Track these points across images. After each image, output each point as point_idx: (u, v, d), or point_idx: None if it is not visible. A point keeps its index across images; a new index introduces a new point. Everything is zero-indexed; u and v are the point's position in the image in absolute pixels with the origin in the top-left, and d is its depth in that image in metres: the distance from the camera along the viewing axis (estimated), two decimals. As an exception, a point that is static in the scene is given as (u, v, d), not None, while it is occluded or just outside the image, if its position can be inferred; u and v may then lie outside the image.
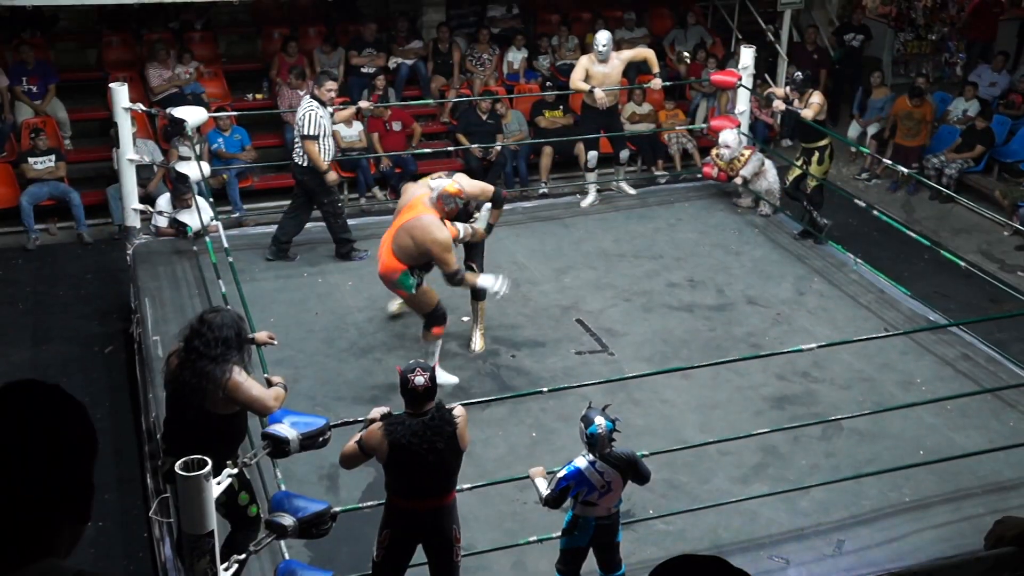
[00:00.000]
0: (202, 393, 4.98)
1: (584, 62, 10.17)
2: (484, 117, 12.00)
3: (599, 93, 9.96)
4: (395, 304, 7.98)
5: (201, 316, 5.15)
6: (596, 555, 5.35)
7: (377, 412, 4.98)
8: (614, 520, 5.26)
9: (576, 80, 10.14)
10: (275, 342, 5.80)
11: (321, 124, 8.70)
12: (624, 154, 10.84)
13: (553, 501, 5.15)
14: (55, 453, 1.71)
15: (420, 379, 4.86)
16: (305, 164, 8.79)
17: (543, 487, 5.23)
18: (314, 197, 9.03)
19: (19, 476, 1.67)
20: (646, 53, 10.51)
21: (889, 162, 10.76)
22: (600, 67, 10.05)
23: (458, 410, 4.99)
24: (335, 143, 9.01)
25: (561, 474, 5.12)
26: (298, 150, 8.82)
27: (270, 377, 5.45)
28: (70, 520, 1.74)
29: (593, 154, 10.50)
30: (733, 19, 13.76)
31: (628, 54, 10.42)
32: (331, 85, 8.82)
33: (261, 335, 5.72)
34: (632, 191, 10.95)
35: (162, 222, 9.51)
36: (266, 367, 5.89)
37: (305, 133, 8.66)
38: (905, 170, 10.40)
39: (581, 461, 5.12)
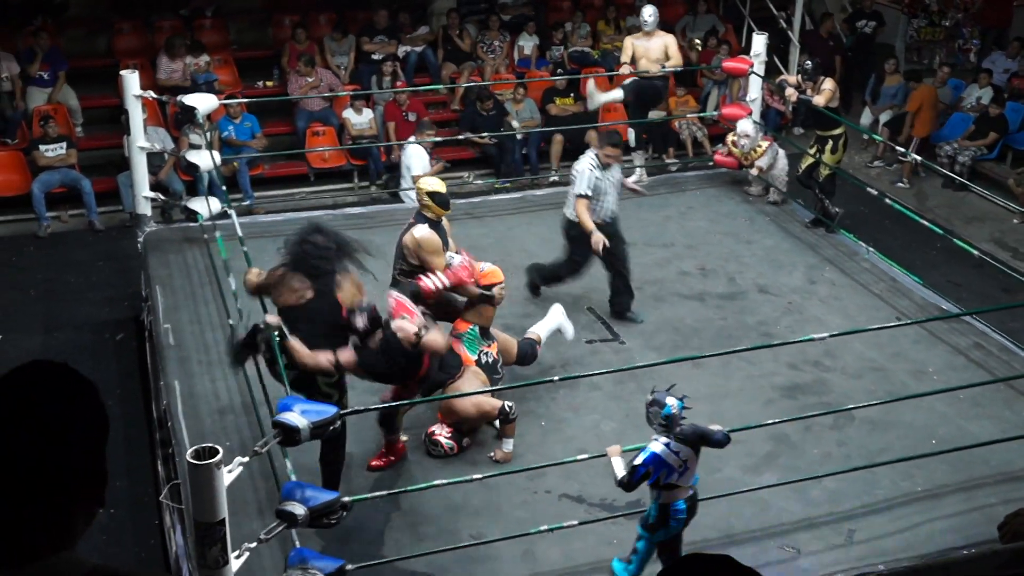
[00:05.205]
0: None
1: (628, 40, 10.50)
2: (486, 114, 11.92)
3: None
4: None
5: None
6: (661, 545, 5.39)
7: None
8: (696, 496, 5.33)
9: (624, 57, 10.48)
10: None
11: (595, 184, 7.83)
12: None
13: (628, 486, 5.19)
14: (67, 434, 1.68)
15: (360, 322, 5.61)
16: (574, 219, 7.93)
17: (619, 468, 5.25)
18: (570, 246, 8.15)
19: (32, 460, 1.65)
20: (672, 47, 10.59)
21: (902, 149, 10.70)
22: (643, 41, 10.22)
23: (400, 329, 5.74)
24: (607, 203, 7.92)
25: (638, 460, 5.12)
26: (570, 203, 8.00)
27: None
28: (84, 505, 1.71)
29: (632, 133, 10.61)
30: (745, 6, 13.69)
31: (672, 40, 10.50)
32: (611, 151, 7.85)
33: (273, 318, 5.81)
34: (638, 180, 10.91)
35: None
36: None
37: (578, 191, 7.84)
38: (918, 158, 10.34)
39: (656, 445, 5.13)
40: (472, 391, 6.37)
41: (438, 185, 6.84)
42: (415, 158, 10.57)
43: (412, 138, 11.04)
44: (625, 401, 7.13)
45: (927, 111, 12.62)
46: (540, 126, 12.27)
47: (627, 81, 10.32)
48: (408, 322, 5.85)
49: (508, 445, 6.56)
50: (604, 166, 7.85)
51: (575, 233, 7.95)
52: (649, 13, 10.23)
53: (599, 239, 7.75)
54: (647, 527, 5.32)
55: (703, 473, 6.33)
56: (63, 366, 1.74)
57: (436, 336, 5.93)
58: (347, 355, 5.64)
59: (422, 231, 6.65)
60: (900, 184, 12.41)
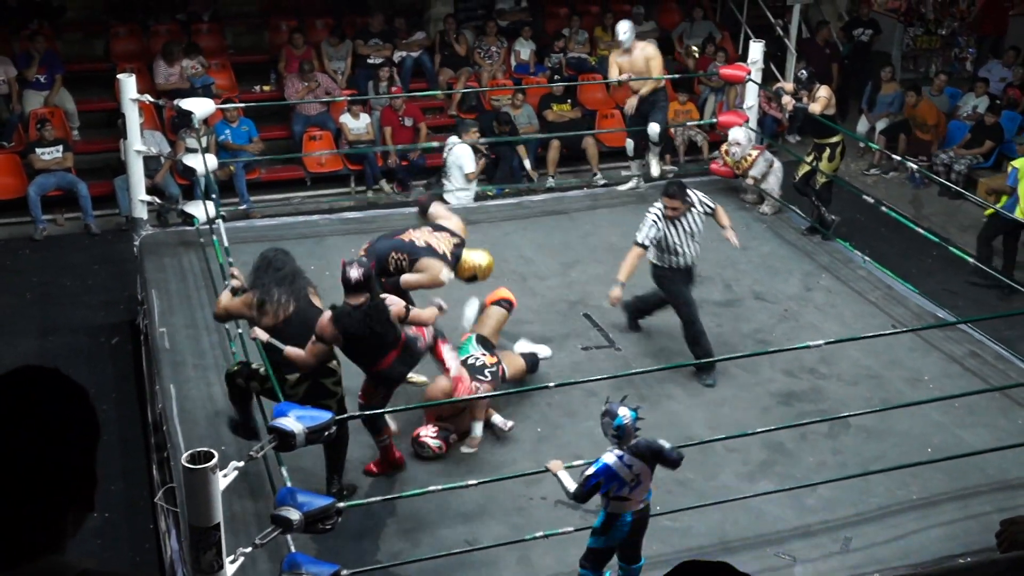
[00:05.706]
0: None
1: (612, 57, 10.43)
2: (497, 132, 11.85)
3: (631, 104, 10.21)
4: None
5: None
6: (620, 548, 5.35)
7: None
8: (647, 512, 5.27)
9: (611, 76, 10.39)
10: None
11: (659, 238, 7.38)
12: (654, 128, 10.40)
13: (582, 497, 5.16)
14: (66, 434, 1.68)
15: (354, 273, 5.77)
16: (653, 261, 7.57)
17: (568, 481, 5.23)
18: (663, 292, 7.78)
19: (32, 459, 1.65)
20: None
21: (899, 158, 10.73)
22: (624, 57, 10.20)
23: (392, 303, 5.85)
24: (681, 259, 7.52)
25: (590, 471, 5.10)
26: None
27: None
28: (74, 508, 1.71)
29: (630, 142, 10.57)
30: (742, 13, 13.72)
31: (653, 51, 10.41)
32: (667, 202, 7.32)
33: (262, 333, 5.88)
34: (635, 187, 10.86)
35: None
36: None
37: (635, 239, 7.41)
38: (915, 166, 10.36)
39: (609, 457, 5.09)
40: (453, 391, 6.50)
41: (486, 266, 7.13)
42: (466, 157, 10.78)
43: (454, 137, 11.00)
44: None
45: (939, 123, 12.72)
46: (537, 132, 12.26)
47: (659, 108, 10.29)
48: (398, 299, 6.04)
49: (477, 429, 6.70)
50: (668, 219, 7.33)
51: (658, 276, 7.59)
52: (624, 30, 10.12)
53: (616, 295, 7.44)
54: (593, 532, 5.30)
55: (700, 479, 6.34)
56: (54, 370, 1.74)
57: (423, 312, 6.12)
58: (323, 319, 5.76)
59: (446, 274, 6.73)
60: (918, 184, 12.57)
